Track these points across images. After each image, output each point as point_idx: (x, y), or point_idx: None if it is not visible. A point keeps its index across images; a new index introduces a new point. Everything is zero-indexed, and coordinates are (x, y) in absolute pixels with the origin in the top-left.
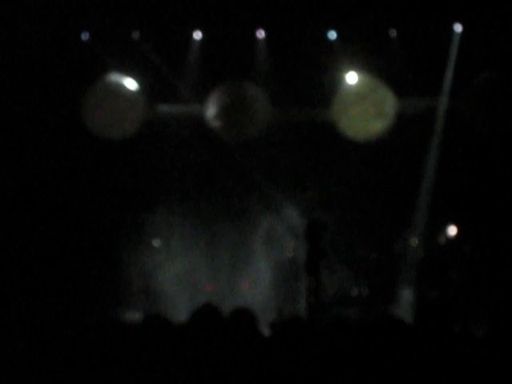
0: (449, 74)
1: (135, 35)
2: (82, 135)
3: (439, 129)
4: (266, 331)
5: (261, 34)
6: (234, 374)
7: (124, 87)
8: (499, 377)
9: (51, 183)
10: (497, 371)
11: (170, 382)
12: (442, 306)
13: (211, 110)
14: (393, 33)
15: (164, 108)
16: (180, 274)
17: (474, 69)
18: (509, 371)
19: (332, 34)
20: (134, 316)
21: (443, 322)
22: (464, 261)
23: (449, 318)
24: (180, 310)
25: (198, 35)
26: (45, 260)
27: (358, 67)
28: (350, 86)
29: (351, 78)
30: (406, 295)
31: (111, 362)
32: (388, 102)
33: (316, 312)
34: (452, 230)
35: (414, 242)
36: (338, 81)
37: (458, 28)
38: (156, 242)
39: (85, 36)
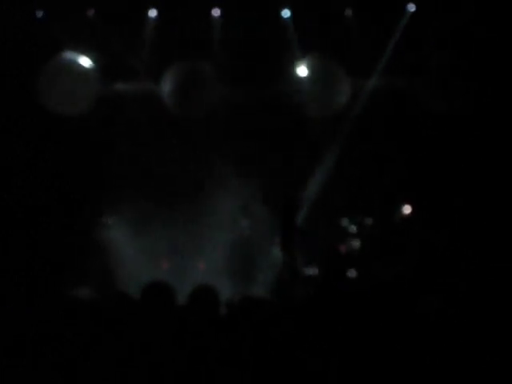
0: (395, 53)
1: (90, 13)
2: (36, 113)
3: (390, 108)
4: (222, 310)
5: (216, 12)
6: (193, 353)
7: (79, 65)
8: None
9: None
10: (450, 350)
11: (127, 361)
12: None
13: (166, 87)
14: (348, 12)
15: (119, 86)
16: (136, 253)
17: (429, 48)
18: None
19: (286, 13)
20: (92, 295)
21: (396, 302)
22: (418, 241)
23: (403, 298)
24: (137, 289)
25: (153, 13)
26: None
27: (312, 47)
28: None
29: (302, 70)
30: None
31: (69, 344)
32: (342, 82)
33: (291, 289)
34: (407, 209)
35: (369, 221)
36: (291, 61)
37: (411, 8)
38: (110, 220)
39: (39, 14)
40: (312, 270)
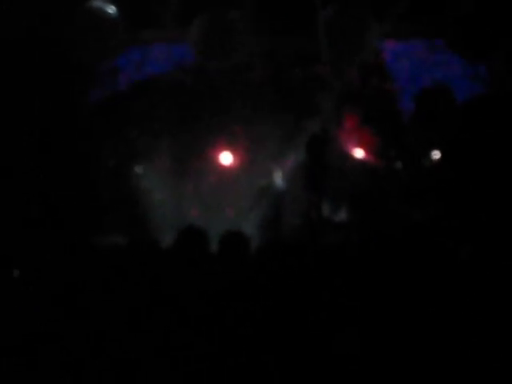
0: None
1: None
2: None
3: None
4: (251, 257)
5: None
6: (225, 298)
7: (106, 12)
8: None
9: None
10: (480, 293)
11: (158, 307)
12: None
13: (193, 36)
14: None
15: (145, 34)
16: (165, 200)
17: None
18: (491, 294)
19: None
20: (118, 240)
21: (430, 242)
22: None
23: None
24: (166, 236)
25: None
26: (16, 186)
27: None
28: None
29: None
30: None
31: (96, 288)
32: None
33: (317, 229)
34: (436, 154)
35: (399, 164)
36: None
37: None
38: (138, 168)
39: None
40: (341, 215)
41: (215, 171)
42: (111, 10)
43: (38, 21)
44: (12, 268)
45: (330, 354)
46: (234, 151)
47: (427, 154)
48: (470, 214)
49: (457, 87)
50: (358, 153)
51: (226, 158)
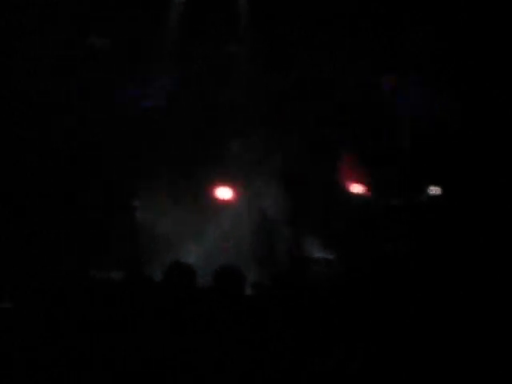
0: None
1: None
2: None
3: None
4: (248, 290)
5: None
6: (218, 334)
7: None
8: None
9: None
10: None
11: (150, 341)
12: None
13: None
14: None
15: (143, 68)
16: (163, 234)
17: None
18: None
19: None
20: (117, 275)
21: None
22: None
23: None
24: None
25: None
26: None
27: None
28: None
29: None
30: None
31: (93, 320)
32: None
33: (299, 265)
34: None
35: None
36: None
37: None
38: (136, 202)
39: None
40: (326, 254)
41: (213, 206)
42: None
43: None
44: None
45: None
46: (231, 186)
47: (424, 190)
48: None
49: None
50: (356, 188)
51: (224, 193)
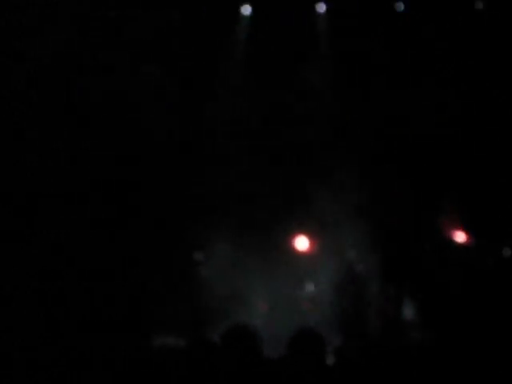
0: None
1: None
2: None
3: None
4: (329, 358)
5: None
6: None
7: None
8: None
9: None
10: None
11: None
12: None
13: None
14: None
15: None
16: (230, 293)
17: None
18: None
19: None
20: (178, 342)
21: None
22: None
23: None
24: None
25: None
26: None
27: None
28: None
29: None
30: None
31: None
32: None
33: (394, 331)
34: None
35: None
36: None
37: None
38: (198, 255)
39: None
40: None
41: (291, 258)
42: None
43: None
44: None
45: None
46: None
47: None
48: None
49: None
50: (460, 236)
51: (301, 243)
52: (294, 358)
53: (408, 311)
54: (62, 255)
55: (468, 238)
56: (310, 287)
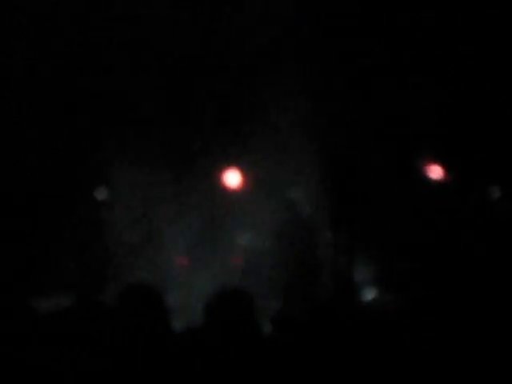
0: None
1: None
2: None
3: None
4: (266, 326)
5: None
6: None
7: None
8: None
9: None
10: None
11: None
12: None
13: None
14: None
15: None
16: (136, 243)
17: None
18: None
19: None
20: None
21: None
22: None
23: None
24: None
25: None
26: None
27: None
28: None
29: None
30: None
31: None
32: None
33: (347, 290)
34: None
35: None
36: None
37: None
38: (100, 193)
39: None
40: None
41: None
42: None
43: None
44: None
45: None
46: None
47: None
48: None
49: None
50: (434, 171)
51: (233, 179)
52: (212, 328)
53: (363, 266)
54: None
55: (445, 174)
56: (241, 235)
